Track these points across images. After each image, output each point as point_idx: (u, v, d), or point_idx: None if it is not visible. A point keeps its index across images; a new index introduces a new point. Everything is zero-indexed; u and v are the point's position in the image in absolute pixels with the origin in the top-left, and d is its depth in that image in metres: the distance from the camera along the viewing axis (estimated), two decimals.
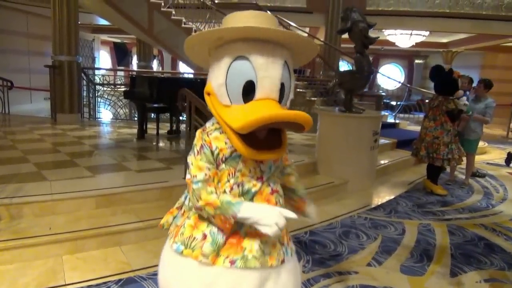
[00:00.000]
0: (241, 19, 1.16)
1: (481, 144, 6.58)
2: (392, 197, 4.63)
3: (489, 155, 7.69)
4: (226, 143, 1.19)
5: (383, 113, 7.89)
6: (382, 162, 5.70)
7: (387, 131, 7.03)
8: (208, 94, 1.20)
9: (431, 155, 4.68)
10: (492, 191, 5.16)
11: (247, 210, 1.14)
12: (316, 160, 4.84)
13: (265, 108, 1.07)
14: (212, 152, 1.20)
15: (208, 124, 1.27)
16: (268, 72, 1.11)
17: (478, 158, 6.20)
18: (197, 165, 1.20)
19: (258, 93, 1.11)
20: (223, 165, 1.20)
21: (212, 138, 1.21)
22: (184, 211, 1.33)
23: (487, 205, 4.51)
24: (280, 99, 1.15)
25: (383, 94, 11.82)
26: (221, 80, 1.14)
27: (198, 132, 1.26)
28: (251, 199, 1.22)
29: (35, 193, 3.01)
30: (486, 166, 6.66)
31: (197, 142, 1.24)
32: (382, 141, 6.08)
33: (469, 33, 12.31)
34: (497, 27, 10.48)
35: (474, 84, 6.22)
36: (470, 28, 11.07)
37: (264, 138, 1.16)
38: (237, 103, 1.13)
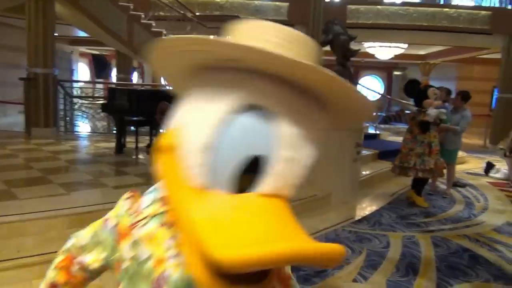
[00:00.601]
0: (259, 36, 0.60)
1: (460, 154, 6.65)
2: (376, 209, 4.60)
3: (468, 165, 7.80)
4: (168, 248, 0.61)
5: (364, 124, 7.93)
6: (364, 173, 5.68)
7: (368, 142, 7.04)
8: (165, 150, 0.60)
9: (403, 165, 4.69)
10: (473, 201, 5.19)
11: None
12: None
13: (274, 228, 0.52)
14: (114, 249, 0.70)
15: (146, 198, 0.70)
16: (296, 151, 0.56)
17: (458, 168, 6.25)
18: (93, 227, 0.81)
19: (267, 183, 0.55)
20: None
21: (142, 237, 0.64)
22: None
23: (469, 215, 4.52)
24: None
25: None
26: (204, 139, 0.55)
27: (122, 201, 0.75)
28: None
29: (3, 213, 2.83)
30: (466, 175, 6.73)
31: (112, 212, 0.76)
32: (364, 152, 6.07)
33: (446, 45, 12.62)
34: (472, 40, 10.76)
35: (452, 96, 6.32)
36: (447, 41, 11.34)
37: None
38: (221, 189, 0.55)
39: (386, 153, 6.79)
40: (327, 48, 4.84)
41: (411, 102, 5.54)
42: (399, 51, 13.12)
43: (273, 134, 0.55)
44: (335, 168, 4.56)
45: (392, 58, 13.84)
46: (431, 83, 5.08)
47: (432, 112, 4.48)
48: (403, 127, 10.02)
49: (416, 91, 4.70)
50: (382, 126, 11.07)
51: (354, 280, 2.82)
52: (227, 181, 0.55)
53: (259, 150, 0.54)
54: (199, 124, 0.57)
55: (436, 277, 2.94)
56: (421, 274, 2.98)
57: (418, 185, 4.85)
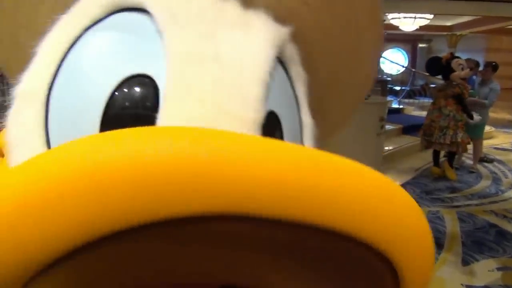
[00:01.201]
0: None
1: (487, 128, 6.47)
2: (400, 183, 4.55)
3: (496, 140, 7.59)
4: None
5: (388, 98, 7.79)
6: (388, 148, 5.61)
7: (392, 117, 6.93)
8: None
9: (426, 139, 4.63)
10: (501, 176, 5.07)
11: None
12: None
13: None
14: None
15: None
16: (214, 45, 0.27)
17: (485, 143, 6.10)
18: None
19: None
20: None
21: None
22: None
23: (497, 191, 4.43)
24: None
25: (388, 79, 11.66)
26: (45, 73, 0.27)
27: None
28: None
29: None
30: (494, 151, 6.55)
31: None
32: (387, 126, 5.98)
33: (474, 15, 12.09)
34: (502, 9, 10.25)
35: (480, 68, 6.10)
36: (475, 10, 10.85)
37: None
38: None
39: (411, 127, 6.67)
40: None
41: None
42: (424, 22, 12.65)
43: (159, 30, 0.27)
44: (358, 143, 4.52)
45: (416, 30, 13.38)
46: (458, 55, 4.87)
47: (476, 118, 4.56)
48: (428, 101, 9.81)
49: (440, 67, 4.56)
50: (406, 100, 10.85)
51: None
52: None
53: (142, 65, 0.27)
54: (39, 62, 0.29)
55: (462, 252, 2.93)
56: (446, 248, 2.97)
57: (449, 157, 4.81)
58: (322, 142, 0.37)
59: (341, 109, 0.45)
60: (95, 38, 0.28)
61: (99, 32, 0.28)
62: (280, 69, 0.32)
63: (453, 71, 4.40)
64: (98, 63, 0.27)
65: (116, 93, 0.25)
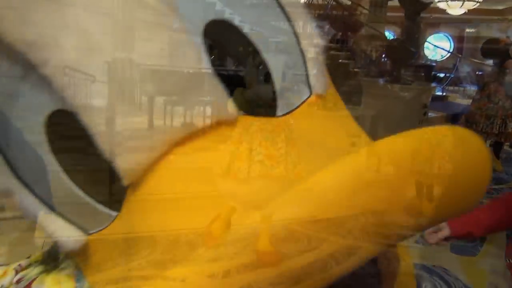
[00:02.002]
0: None
1: None
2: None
3: None
4: None
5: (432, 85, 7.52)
6: None
7: (436, 105, 6.69)
8: None
9: (470, 126, 4.45)
10: None
11: None
12: None
13: None
14: None
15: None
16: None
17: None
18: None
19: None
20: None
21: None
22: None
23: None
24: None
25: (433, 64, 11.21)
26: None
27: None
28: None
29: None
30: None
31: None
32: (430, 114, 5.79)
33: None
34: None
35: None
36: None
37: None
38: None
39: (454, 116, 6.41)
40: (395, 2, 4.57)
41: (486, 62, 5.16)
42: (473, 5, 12.00)
43: None
44: (399, 130, 4.40)
45: (464, 14, 12.71)
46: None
47: None
48: (473, 89, 9.39)
49: (496, 51, 4.34)
50: (451, 87, 10.41)
51: (416, 242, 2.78)
52: None
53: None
54: None
55: (506, 244, 2.82)
56: (488, 240, 2.88)
57: (496, 147, 4.61)
58: None
59: None
60: None
61: None
62: None
63: (509, 58, 4.20)
64: None
65: None
